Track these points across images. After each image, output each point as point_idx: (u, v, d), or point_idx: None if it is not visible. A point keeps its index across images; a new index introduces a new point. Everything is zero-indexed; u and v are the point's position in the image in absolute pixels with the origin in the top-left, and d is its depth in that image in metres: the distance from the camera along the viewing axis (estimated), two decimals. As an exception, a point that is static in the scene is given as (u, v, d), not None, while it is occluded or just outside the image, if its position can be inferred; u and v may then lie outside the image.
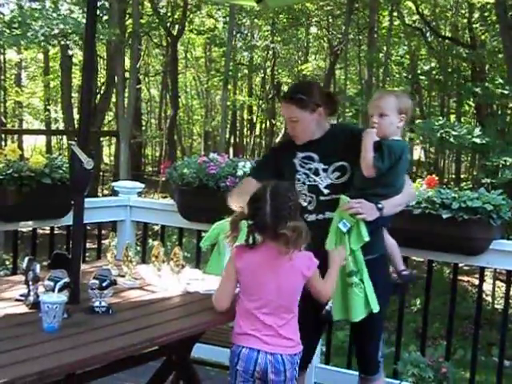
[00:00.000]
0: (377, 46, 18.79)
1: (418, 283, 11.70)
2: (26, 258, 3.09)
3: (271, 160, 3.68)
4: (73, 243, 3.24)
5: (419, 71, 21.76)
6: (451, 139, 12.84)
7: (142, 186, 5.66)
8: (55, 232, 5.24)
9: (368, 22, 19.57)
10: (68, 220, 4.65)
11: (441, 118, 15.54)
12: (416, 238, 4.15)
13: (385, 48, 20.02)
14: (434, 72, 20.59)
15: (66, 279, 2.82)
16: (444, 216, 3.99)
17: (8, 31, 13.43)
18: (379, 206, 3.26)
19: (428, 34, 21.35)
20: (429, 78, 21.36)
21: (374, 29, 18.43)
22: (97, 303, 2.95)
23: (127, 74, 19.54)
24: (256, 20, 22.74)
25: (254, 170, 3.90)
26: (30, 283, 2.98)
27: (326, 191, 3.41)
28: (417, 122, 20.26)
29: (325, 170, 3.43)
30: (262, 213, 2.88)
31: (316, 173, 3.44)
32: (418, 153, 26.68)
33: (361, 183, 3.31)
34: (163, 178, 5.08)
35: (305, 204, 3.41)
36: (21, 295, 3.08)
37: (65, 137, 27.39)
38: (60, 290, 2.74)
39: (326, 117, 3.53)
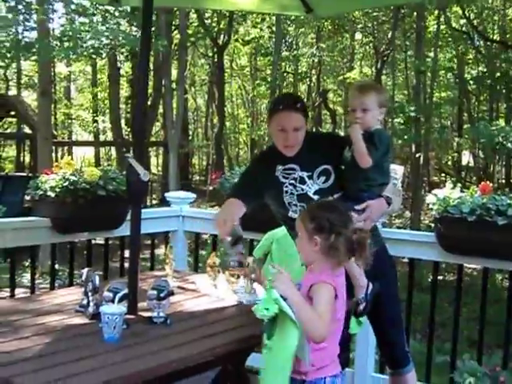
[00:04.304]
0: (424, 51, 18.55)
1: (469, 290, 11.53)
2: (85, 270, 3.14)
3: (252, 178, 3.59)
4: (130, 254, 3.26)
5: (467, 76, 21.48)
6: (509, 144, 12.66)
7: (194, 196, 5.68)
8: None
9: (414, 27, 19.37)
10: (122, 231, 4.72)
11: (496, 122, 15.33)
12: (471, 246, 4.11)
13: (432, 53, 19.79)
14: (482, 76, 20.31)
15: (125, 290, 2.86)
16: (500, 223, 3.93)
17: (59, 44, 13.68)
18: (388, 199, 3.31)
19: (475, 38, 21.07)
20: (477, 83, 21.05)
21: (421, 34, 18.20)
22: (155, 314, 2.99)
23: (173, 85, 19.69)
24: (301, 28, 22.74)
25: (236, 190, 3.70)
26: (90, 294, 3.04)
27: (315, 197, 3.38)
28: (465, 126, 20.01)
29: (310, 177, 3.41)
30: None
31: (302, 181, 3.41)
32: (466, 158, 26.31)
33: (357, 176, 3.30)
34: (211, 188, 5.07)
35: (295, 215, 3.32)
36: (80, 306, 3.13)
37: (113, 147, 27.76)
38: (119, 301, 2.79)
39: None
